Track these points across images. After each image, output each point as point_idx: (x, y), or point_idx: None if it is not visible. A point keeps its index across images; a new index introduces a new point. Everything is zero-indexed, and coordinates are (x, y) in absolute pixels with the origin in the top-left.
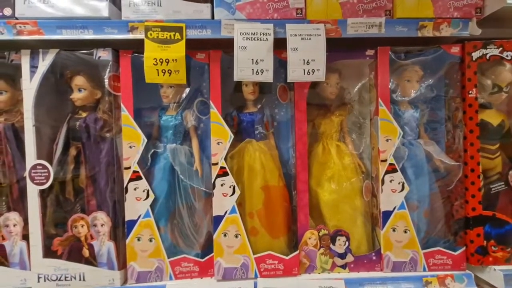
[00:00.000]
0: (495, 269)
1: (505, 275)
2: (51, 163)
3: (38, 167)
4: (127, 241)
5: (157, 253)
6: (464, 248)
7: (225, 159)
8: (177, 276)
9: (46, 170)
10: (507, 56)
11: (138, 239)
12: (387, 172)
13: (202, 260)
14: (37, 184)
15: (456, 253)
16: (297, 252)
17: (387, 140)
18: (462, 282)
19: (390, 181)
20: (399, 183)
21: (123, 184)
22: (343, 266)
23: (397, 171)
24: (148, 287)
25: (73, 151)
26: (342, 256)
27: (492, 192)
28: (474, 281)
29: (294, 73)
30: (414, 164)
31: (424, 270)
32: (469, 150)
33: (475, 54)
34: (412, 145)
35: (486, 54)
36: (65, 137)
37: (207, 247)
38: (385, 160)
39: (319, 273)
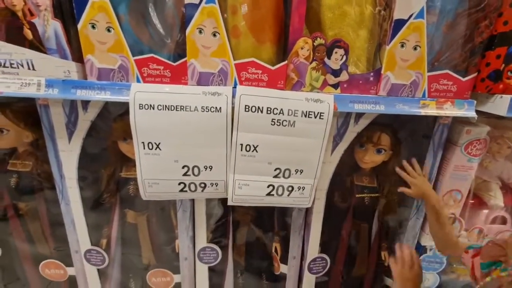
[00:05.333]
0: (501, 97)
1: None
2: None
3: None
4: (79, 26)
5: (118, 48)
6: (474, 74)
7: None
8: (145, 79)
9: None
10: None
11: (93, 26)
12: None
13: (175, 64)
14: None
15: (464, 79)
16: (285, 63)
17: None
18: (461, 107)
19: None
20: None
21: None
22: (335, 86)
23: None
24: (111, 85)
25: None
26: (336, 73)
27: None
28: (474, 108)
29: None
30: None
31: (424, 96)
32: None
33: None
34: None
35: None
36: None
37: (181, 51)
38: None
39: (307, 91)
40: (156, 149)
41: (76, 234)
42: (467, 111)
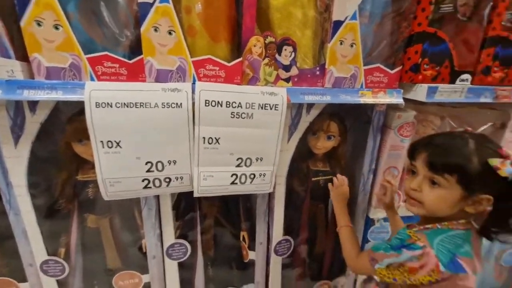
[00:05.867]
0: (421, 85)
1: (429, 88)
2: None
3: None
4: (22, 24)
5: (68, 46)
6: (400, 67)
7: None
8: (100, 78)
9: None
10: None
11: (39, 24)
12: None
13: (131, 61)
14: None
15: (392, 72)
16: (240, 59)
17: None
18: (392, 96)
19: None
20: None
21: None
22: (287, 80)
23: None
24: (63, 84)
25: None
26: (286, 68)
27: (440, 11)
28: (402, 96)
29: None
30: None
31: (362, 87)
32: None
33: None
34: None
35: None
36: None
37: (136, 50)
38: None
39: (262, 86)
40: (116, 147)
41: (29, 246)
42: (396, 99)
